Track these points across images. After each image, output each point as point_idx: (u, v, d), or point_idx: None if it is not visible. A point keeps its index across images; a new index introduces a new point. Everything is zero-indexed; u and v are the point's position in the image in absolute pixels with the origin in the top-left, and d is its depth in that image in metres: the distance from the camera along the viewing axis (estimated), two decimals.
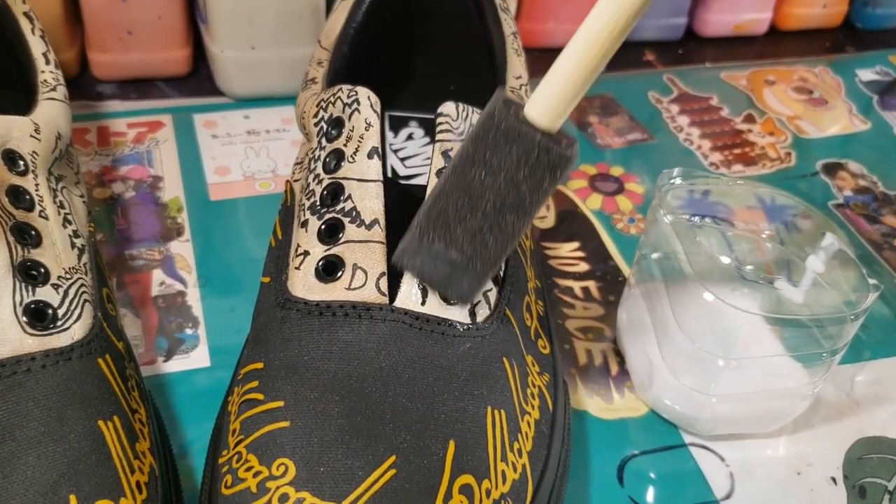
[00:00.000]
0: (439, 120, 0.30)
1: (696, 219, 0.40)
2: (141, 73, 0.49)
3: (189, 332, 0.36)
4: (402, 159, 0.41)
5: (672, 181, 0.35)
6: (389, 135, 0.42)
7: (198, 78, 0.50)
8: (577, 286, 0.40)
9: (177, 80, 0.50)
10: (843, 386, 0.37)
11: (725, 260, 0.34)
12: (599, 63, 0.24)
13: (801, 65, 0.59)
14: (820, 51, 0.61)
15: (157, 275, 0.38)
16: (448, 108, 0.30)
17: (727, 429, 0.34)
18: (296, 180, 0.33)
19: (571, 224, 0.43)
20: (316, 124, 0.31)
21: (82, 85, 0.49)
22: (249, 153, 0.45)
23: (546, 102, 0.25)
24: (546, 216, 0.44)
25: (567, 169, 0.25)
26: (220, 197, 0.42)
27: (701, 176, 0.37)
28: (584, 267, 0.41)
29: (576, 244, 0.42)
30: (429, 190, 0.29)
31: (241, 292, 0.38)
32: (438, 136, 0.30)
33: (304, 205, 0.30)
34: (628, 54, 0.57)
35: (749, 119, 0.53)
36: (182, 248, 0.40)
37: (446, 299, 0.28)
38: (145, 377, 0.34)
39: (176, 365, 0.35)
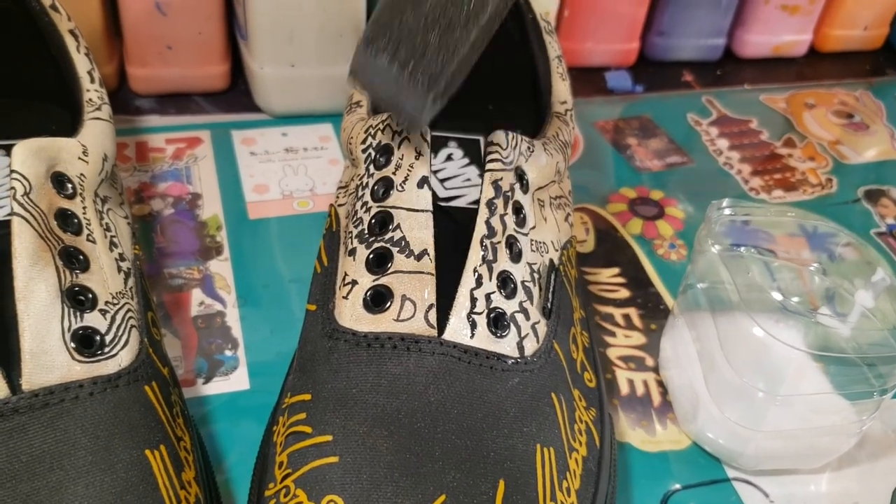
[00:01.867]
0: (489, 149, 0.30)
1: (743, 249, 0.39)
2: (179, 87, 0.49)
3: (228, 353, 0.36)
4: (442, 181, 0.40)
5: (721, 211, 0.35)
6: None
7: (235, 93, 0.50)
8: (617, 313, 0.40)
9: (214, 95, 0.50)
10: (889, 422, 0.37)
11: (777, 296, 0.33)
12: None
13: (840, 88, 0.58)
14: (860, 73, 0.60)
15: (197, 294, 0.38)
16: (498, 136, 0.30)
17: (771, 464, 0.34)
18: (340, 205, 0.33)
19: (611, 249, 0.43)
20: (364, 150, 0.31)
21: (121, 99, 0.49)
22: (287, 171, 0.45)
23: None
24: (586, 240, 0.43)
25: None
26: (259, 215, 0.42)
27: (750, 206, 0.36)
28: (624, 293, 0.41)
29: (616, 270, 0.42)
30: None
31: (280, 314, 0.38)
32: (489, 166, 0.30)
33: (351, 232, 0.30)
34: (666, 74, 0.57)
35: (789, 143, 0.52)
36: (221, 268, 0.39)
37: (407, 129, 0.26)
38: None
39: (215, 387, 0.35)
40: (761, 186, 0.48)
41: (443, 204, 0.39)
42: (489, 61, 0.42)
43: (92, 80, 0.36)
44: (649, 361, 0.38)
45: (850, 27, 0.60)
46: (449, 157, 0.42)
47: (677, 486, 0.33)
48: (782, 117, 0.54)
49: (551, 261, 0.31)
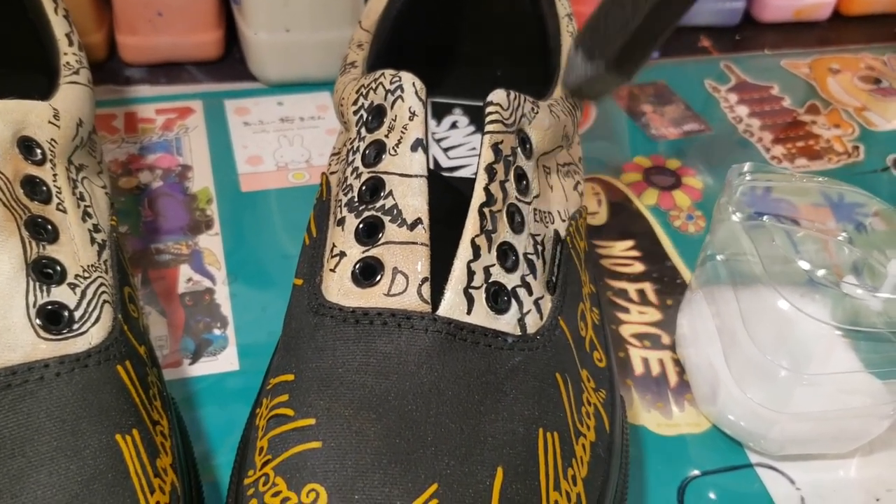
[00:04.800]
0: (489, 109, 0.27)
1: (765, 218, 0.37)
2: (171, 56, 0.47)
3: (217, 332, 0.34)
4: (445, 149, 0.38)
5: (743, 176, 0.32)
6: (432, 123, 0.39)
7: (230, 62, 0.48)
8: (631, 288, 0.37)
9: (208, 64, 0.48)
10: None
11: (804, 265, 0.31)
12: None
13: (866, 52, 0.55)
14: (887, 37, 0.57)
15: (185, 270, 0.36)
16: (499, 96, 0.28)
17: (797, 449, 0.31)
18: (332, 172, 0.31)
19: (625, 221, 0.40)
20: (355, 112, 0.29)
21: (110, 69, 0.47)
22: (283, 142, 0.43)
23: None
24: (598, 212, 0.41)
25: None
26: (252, 188, 0.40)
27: (774, 171, 0.34)
28: (639, 267, 0.38)
29: (630, 243, 0.39)
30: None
31: (272, 290, 0.36)
32: (488, 128, 0.27)
33: (340, 200, 0.27)
34: (682, 40, 0.54)
35: (813, 110, 0.49)
36: (211, 243, 0.37)
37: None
38: (169, 381, 0.32)
39: (202, 368, 0.33)
40: (784, 155, 0.46)
41: (446, 174, 0.37)
42: (498, 23, 0.40)
43: (70, 44, 0.34)
44: (665, 339, 0.35)
45: None
46: (454, 125, 0.40)
47: (696, 471, 0.31)
48: (805, 83, 0.52)
49: (556, 232, 0.29)
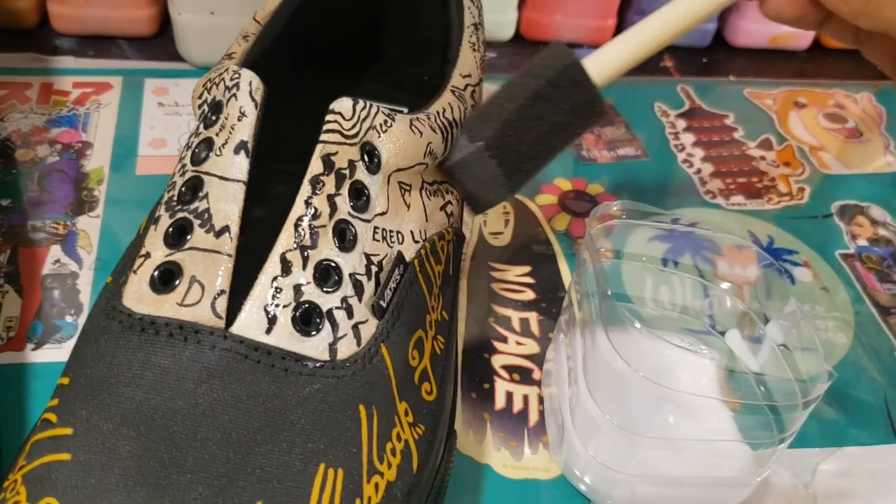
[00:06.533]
0: (327, 118, 0.26)
1: (644, 259, 0.34)
2: (101, 29, 0.46)
3: (69, 319, 0.33)
4: None
5: (603, 217, 0.30)
6: None
7: (163, 40, 0.47)
8: (516, 317, 0.35)
9: (141, 40, 0.47)
10: (802, 475, 0.32)
11: (637, 324, 0.29)
12: (666, 44, 0.29)
13: (840, 88, 0.52)
14: (867, 74, 0.54)
15: (55, 251, 0.35)
16: (342, 104, 0.26)
17: None
18: None
19: (529, 245, 0.39)
20: (199, 106, 0.28)
21: (39, 37, 0.46)
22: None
23: (609, 64, 0.29)
24: (503, 232, 0.39)
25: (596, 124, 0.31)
26: (147, 172, 0.39)
27: (642, 213, 0.32)
28: (529, 295, 0.36)
29: (526, 269, 0.37)
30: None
31: None
32: (322, 137, 0.26)
33: (163, 198, 0.26)
34: None
35: (765, 145, 0.47)
36: (89, 225, 0.36)
37: (476, 205, 0.31)
38: (6, 364, 0.31)
39: (44, 355, 0.32)
40: (720, 190, 0.43)
41: None
42: (416, 28, 0.38)
43: None
44: (537, 374, 0.33)
45: None
46: None
47: None
48: (764, 115, 0.49)
49: (400, 253, 0.27)
